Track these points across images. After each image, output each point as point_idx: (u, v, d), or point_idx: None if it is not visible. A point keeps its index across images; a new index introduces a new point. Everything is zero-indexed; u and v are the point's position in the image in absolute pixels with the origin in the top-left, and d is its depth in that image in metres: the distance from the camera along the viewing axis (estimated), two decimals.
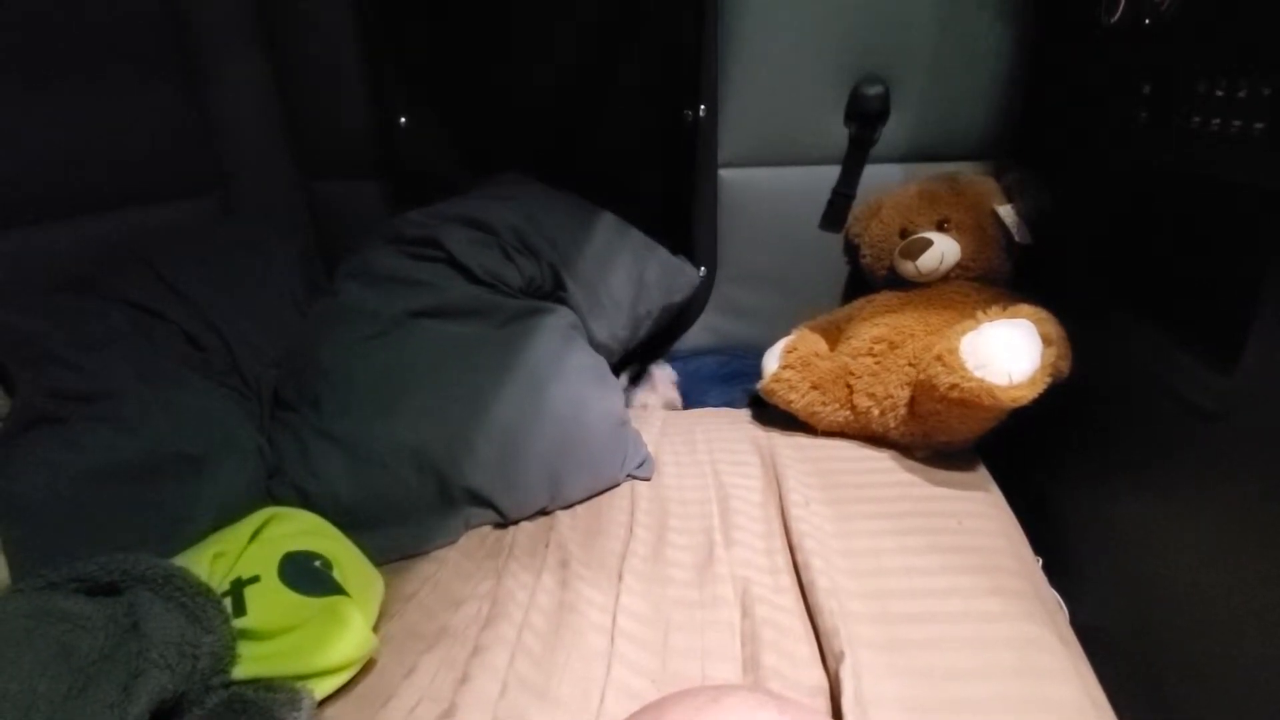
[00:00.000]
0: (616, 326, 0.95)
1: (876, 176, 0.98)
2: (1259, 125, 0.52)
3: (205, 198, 1.09)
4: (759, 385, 0.91)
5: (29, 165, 0.85)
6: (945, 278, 0.89)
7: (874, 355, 0.84)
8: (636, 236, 1.00)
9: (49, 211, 0.87)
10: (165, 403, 0.73)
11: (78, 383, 0.72)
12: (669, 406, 1.02)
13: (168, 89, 1.01)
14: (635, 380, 1.05)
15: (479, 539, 0.75)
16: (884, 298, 0.92)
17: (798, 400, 0.88)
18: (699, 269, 1.05)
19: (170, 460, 0.69)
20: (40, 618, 0.47)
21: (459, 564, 0.71)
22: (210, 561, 0.58)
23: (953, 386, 0.71)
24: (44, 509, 0.61)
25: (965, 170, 0.95)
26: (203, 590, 0.54)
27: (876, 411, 0.83)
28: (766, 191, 1.01)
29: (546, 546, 0.72)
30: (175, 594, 0.52)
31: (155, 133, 0.99)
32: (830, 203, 1.00)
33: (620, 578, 0.66)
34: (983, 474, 0.79)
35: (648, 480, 0.83)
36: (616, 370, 1.00)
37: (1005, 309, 0.75)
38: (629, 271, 0.96)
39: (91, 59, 0.90)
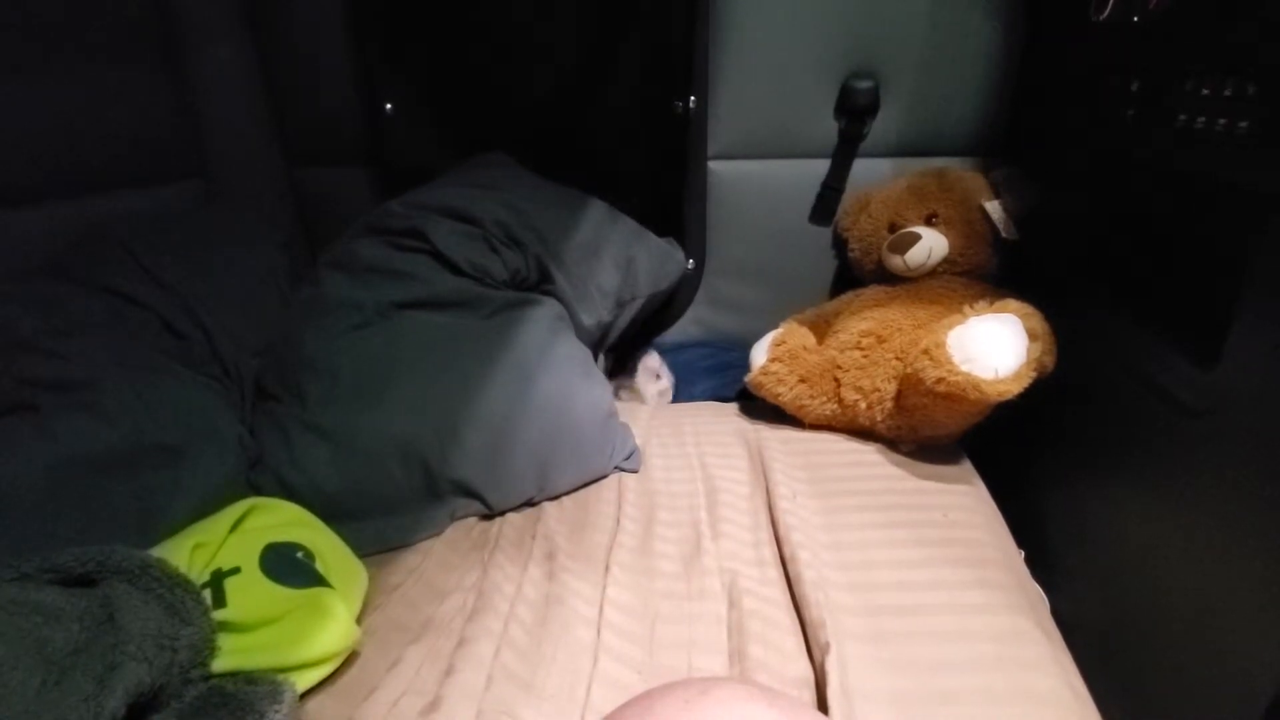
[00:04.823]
0: (603, 312, 0.94)
1: (865, 171, 0.98)
2: (1244, 124, 0.53)
3: (187, 184, 1.07)
4: (747, 378, 0.91)
5: (4, 148, 0.82)
6: (933, 272, 0.90)
7: (862, 349, 0.84)
8: (626, 223, 1.00)
9: (25, 196, 0.85)
10: (143, 391, 0.71)
11: (53, 370, 0.70)
12: (663, 395, 1.01)
13: (148, 72, 0.99)
14: (618, 365, 1.04)
15: (465, 531, 0.74)
16: (872, 292, 0.92)
17: (785, 393, 0.88)
18: (688, 261, 1.05)
19: (149, 450, 0.67)
20: (13, 610, 0.45)
21: (444, 556, 0.70)
22: (190, 552, 0.57)
23: (939, 380, 0.72)
24: (17, 499, 0.60)
25: (954, 165, 0.95)
26: (181, 581, 0.53)
27: (864, 405, 0.83)
28: (756, 184, 1.00)
29: (533, 538, 0.72)
30: (153, 585, 0.51)
31: (135, 117, 0.97)
32: (819, 196, 1.00)
33: (607, 570, 0.66)
34: (968, 468, 0.80)
35: (635, 472, 0.82)
36: (600, 355, 1.00)
37: (992, 304, 0.76)
38: (617, 260, 0.95)
39: (71, 41, 0.88)
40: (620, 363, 1.06)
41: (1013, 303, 0.75)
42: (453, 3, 1.02)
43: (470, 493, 0.75)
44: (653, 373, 1.01)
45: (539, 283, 0.92)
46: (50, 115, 0.86)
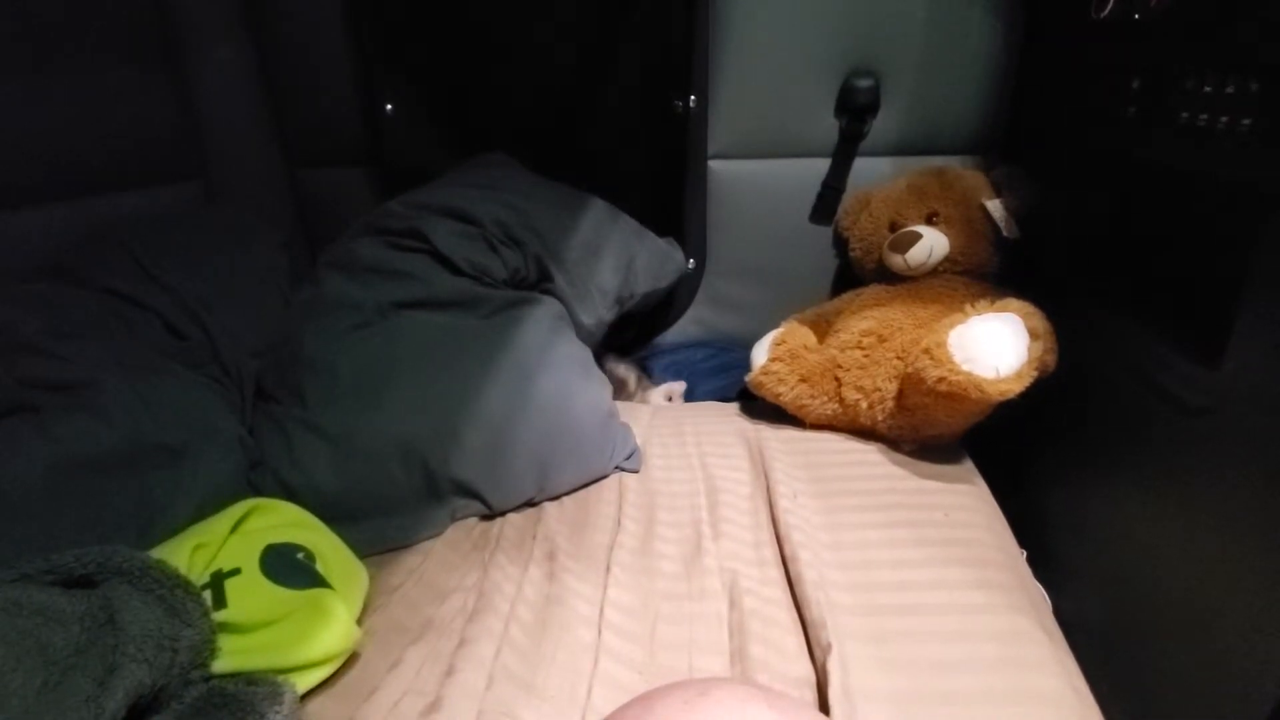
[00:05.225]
0: (603, 312, 0.94)
1: (866, 170, 0.98)
2: (1246, 121, 0.53)
3: (187, 184, 1.07)
4: (747, 378, 0.91)
5: (4, 148, 0.82)
6: (933, 271, 0.89)
7: (862, 348, 0.84)
8: (626, 222, 1.00)
9: (25, 196, 0.85)
10: (144, 392, 0.71)
11: (54, 371, 0.70)
12: None
13: (148, 72, 0.99)
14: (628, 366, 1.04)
15: (465, 531, 0.74)
16: (872, 291, 0.92)
17: (786, 393, 0.88)
18: (688, 261, 1.05)
19: (149, 450, 0.67)
20: (14, 611, 0.46)
21: (445, 556, 0.70)
22: (190, 553, 0.57)
23: (940, 380, 0.72)
24: (18, 500, 0.60)
25: (954, 164, 0.95)
26: (181, 583, 0.53)
27: (865, 404, 0.83)
28: (756, 183, 1.00)
29: (534, 539, 0.72)
30: (153, 586, 0.51)
31: (135, 117, 0.97)
32: (820, 196, 1.00)
33: (608, 570, 0.66)
34: (969, 467, 0.80)
35: (636, 472, 0.82)
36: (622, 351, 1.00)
37: (993, 303, 0.76)
38: (617, 259, 0.95)
39: (70, 42, 0.88)
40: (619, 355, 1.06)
41: (1014, 302, 0.75)
42: (452, 3, 1.02)
43: (470, 493, 0.75)
44: (666, 397, 1.01)
45: (538, 282, 0.92)
46: (50, 115, 0.86)
